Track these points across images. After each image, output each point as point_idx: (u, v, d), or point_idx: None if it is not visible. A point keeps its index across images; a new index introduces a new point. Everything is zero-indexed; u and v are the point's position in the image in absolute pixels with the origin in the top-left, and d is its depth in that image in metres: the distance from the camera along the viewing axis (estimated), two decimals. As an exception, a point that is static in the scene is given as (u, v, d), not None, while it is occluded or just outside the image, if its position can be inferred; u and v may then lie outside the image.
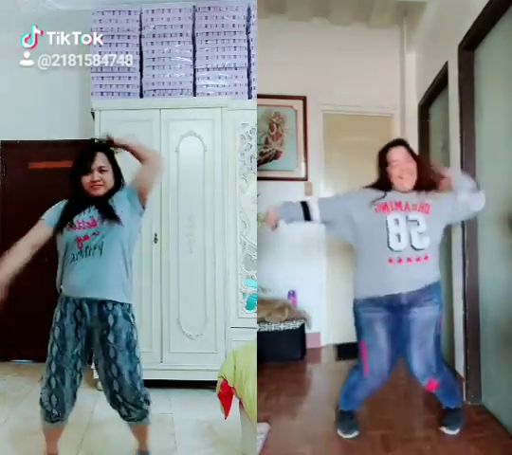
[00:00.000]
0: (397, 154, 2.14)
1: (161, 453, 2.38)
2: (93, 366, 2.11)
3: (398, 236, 2.04)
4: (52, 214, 2.06)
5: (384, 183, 2.16)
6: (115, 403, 2.05)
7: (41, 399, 2.03)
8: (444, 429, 2.29)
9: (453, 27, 2.78)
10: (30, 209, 3.94)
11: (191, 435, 2.58)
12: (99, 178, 2.01)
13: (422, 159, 2.23)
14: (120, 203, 2.03)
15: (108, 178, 2.05)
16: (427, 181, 2.15)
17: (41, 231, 2.04)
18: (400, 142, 2.21)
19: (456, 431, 2.28)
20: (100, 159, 2.04)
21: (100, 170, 2.03)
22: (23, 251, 2.03)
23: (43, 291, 3.66)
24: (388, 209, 2.08)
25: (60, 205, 2.09)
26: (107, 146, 2.09)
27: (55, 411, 2.00)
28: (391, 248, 2.04)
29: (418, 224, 2.07)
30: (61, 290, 2.04)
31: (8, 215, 3.89)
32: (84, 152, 2.07)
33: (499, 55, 2.40)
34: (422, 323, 2.11)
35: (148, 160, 2.08)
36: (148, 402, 2.08)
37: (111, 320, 1.96)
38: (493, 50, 2.47)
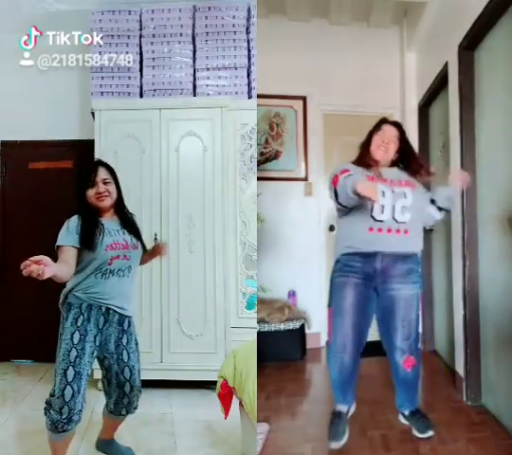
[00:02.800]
0: (386, 128, 2.24)
1: (161, 453, 2.38)
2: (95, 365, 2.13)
3: (382, 207, 2.08)
4: (68, 234, 2.00)
5: (365, 154, 2.23)
6: (118, 406, 2.16)
7: (47, 409, 1.98)
8: (420, 435, 2.26)
9: (453, 27, 2.78)
10: (30, 209, 3.99)
11: (191, 435, 2.58)
12: (104, 190, 2.07)
13: (410, 144, 2.30)
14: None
15: (113, 190, 2.10)
16: (411, 158, 2.25)
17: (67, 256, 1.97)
18: (395, 123, 2.30)
19: (431, 433, 2.25)
20: (103, 172, 2.10)
21: (104, 182, 2.08)
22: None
23: (43, 291, 3.67)
24: (375, 182, 2.10)
25: (72, 224, 2.02)
26: (105, 163, 2.17)
27: (62, 423, 1.95)
28: (373, 218, 2.09)
29: (405, 196, 2.12)
30: (67, 297, 2.05)
31: (8, 215, 3.89)
32: (86, 166, 2.17)
33: (499, 55, 2.40)
34: (405, 300, 2.16)
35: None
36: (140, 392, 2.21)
37: (126, 324, 2.12)
38: (493, 50, 2.47)
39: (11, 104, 3.83)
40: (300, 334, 3.56)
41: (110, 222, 2.11)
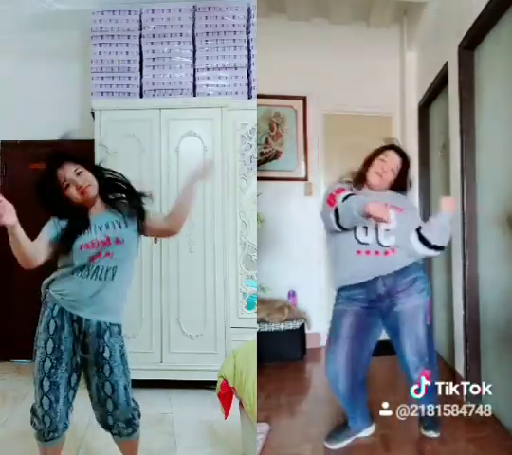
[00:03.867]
0: (391, 156, 2.16)
1: (161, 453, 2.38)
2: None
3: (365, 229, 2.06)
4: (53, 229, 1.89)
5: (362, 175, 2.18)
6: (106, 424, 1.94)
7: (31, 419, 1.91)
8: (426, 433, 2.26)
9: (453, 27, 2.78)
10: (30, 209, 3.97)
11: (191, 435, 2.58)
12: (82, 181, 1.86)
13: (409, 177, 2.24)
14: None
15: (89, 177, 1.88)
16: (403, 184, 2.20)
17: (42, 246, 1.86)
18: (395, 148, 2.21)
19: (433, 434, 2.25)
20: (69, 166, 1.88)
21: (78, 174, 1.87)
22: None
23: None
24: None
25: (57, 224, 1.90)
26: (60, 154, 1.94)
27: (47, 431, 1.88)
28: (358, 240, 2.07)
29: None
30: (46, 294, 1.92)
31: (7, 215, 3.89)
32: (45, 169, 1.91)
33: (499, 55, 2.40)
34: (408, 312, 2.11)
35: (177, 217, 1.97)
36: (139, 415, 1.97)
37: (107, 336, 1.88)
38: (493, 50, 2.47)
39: (11, 104, 3.83)
40: (300, 334, 3.56)
41: (98, 217, 1.90)
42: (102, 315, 1.88)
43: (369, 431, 2.29)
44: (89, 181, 1.88)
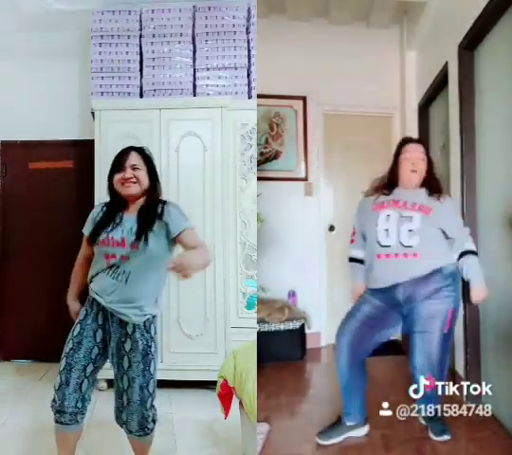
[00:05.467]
0: (413, 148, 2.19)
1: (161, 453, 2.38)
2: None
3: (387, 231, 2.08)
4: (88, 223, 2.00)
5: (393, 176, 2.20)
6: (120, 419, 1.97)
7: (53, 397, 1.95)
8: (435, 438, 2.25)
9: (453, 27, 2.78)
10: (30, 209, 3.99)
11: (191, 435, 2.58)
12: (131, 175, 1.91)
13: (432, 161, 2.26)
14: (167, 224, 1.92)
15: (141, 176, 1.93)
16: (435, 180, 2.20)
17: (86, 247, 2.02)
18: (418, 140, 2.30)
19: (449, 436, 2.24)
20: (134, 158, 1.95)
21: (133, 167, 1.93)
22: (78, 270, 2.05)
23: (43, 291, 3.68)
24: (384, 207, 2.14)
25: (93, 212, 2.02)
26: (140, 148, 2.02)
27: (56, 410, 1.92)
28: (379, 243, 2.09)
29: (411, 221, 2.09)
30: (90, 288, 1.97)
31: (8, 215, 3.88)
32: (121, 151, 2.00)
33: (499, 55, 2.40)
34: (425, 314, 2.10)
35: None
36: (154, 421, 1.98)
37: (130, 329, 1.89)
38: (493, 50, 2.47)
39: (11, 104, 3.83)
40: (300, 334, 3.56)
41: (131, 218, 1.92)
42: (122, 307, 1.89)
43: (362, 431, 2.28)
44: (138, 178, 1.92)
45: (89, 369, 1.92)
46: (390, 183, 2.21)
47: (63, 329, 2.07)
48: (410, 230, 2.07)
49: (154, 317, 1.94)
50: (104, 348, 1.94)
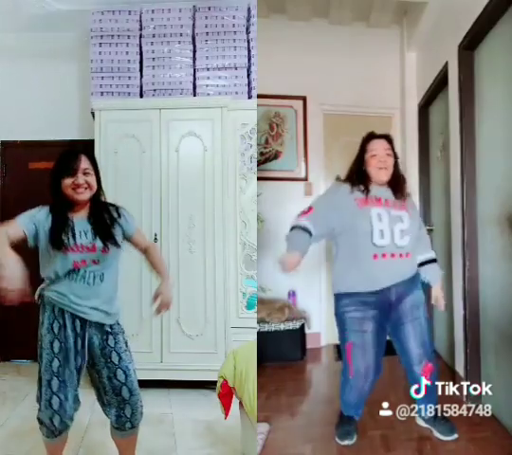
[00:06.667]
0: (378, 145, 2.17)
1: (161, 453, 2.38)
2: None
3: (381, 232, 2.05)
4: (27, 220, 1.92)
5: (361, 173, 2.16)
6: (120, 419, 1.93)
7: (39, 419, 1.91)
8: (444, 438, 2.24)
9: (453, 27, 2.78)
10: (30, 209, 3.97)
11: (191, 435, 2.58)
12: (83, 181, 1.87)
13: (398, 157, 2.24)
14: (121, 227, 1.97)
15: (92, 181, 1.90)
16: (401, 179, 2.20)
17: (13, 230, 1.87)
18: (384, 136, 2.23)
19: (456, 436, 2.24)
20: (85, 162, 1.90)
21: (85, 172, 1.88)
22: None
23: (43, 291, 3.68)
24: (367, 204, 2.09)
25: (37, 213, 1.93)
26: (90, 150, 2.01)
27: (59, 430, 1.91)
28: (374, 244, 2.06)
29: (402, 221, 2.09)
30: (41, 297, 1.93)
31: (8, 215, 3.87)
32: (68, 152, 1.97)
33: (499, 55, 2.40)
34: (410, 305, 2.15)
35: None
36: (141, 413, 1.98)
37: (107, 326, 1.92)
38: (493, 50, 2.47)
39: (11, 104, 3.83)
40: (300, 334, 3.55)
41: (82, 221, 1.91)
42: (98, 310, 1.90)
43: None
44: (89, 184, 1.89)
45: (77, 377, 1.93)
46: (360, 178, 2.16)
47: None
48: (401, 230, 2.08)
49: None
50: (83, 352, 1.91)
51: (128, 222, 2.00)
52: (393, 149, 2.20)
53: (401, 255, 2.08)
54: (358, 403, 2.26)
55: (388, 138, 2.22)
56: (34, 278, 1.85)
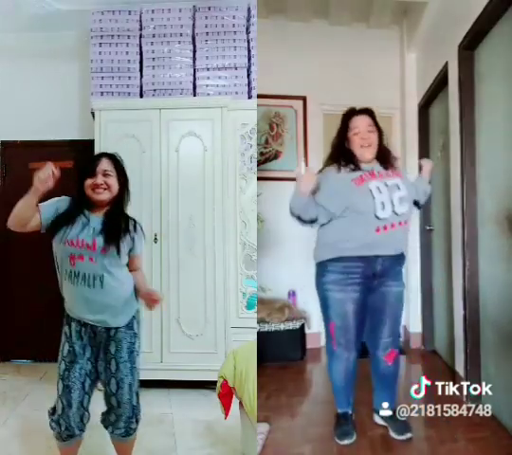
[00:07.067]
0: (360, 122, 2.15)
1: (161, 453, 2.38)
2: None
3: (383, 204, 2.04)
4: (49, 207, 1.94)
5: (345, 152, 2.16)
6: (107, 421, 1.98)
7: (50, 421, 1.95)
8: (397, 436, 2.24)
9: (453, 27, 2.78)
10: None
11: (191, 435, 2.58)
12: (102, 182, 1.90)
13: (382, 130, 2.21)
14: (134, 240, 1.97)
15: (112, 183, 1.93)
16: (386, 151, 2.19)
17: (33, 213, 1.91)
18: (365, 111, 2.20)
19: (409, 435, 2.22)
20: (106, 163, 1.95)
21: (105, 173, 1.92)
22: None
23: (42, 291, 3.67)
24: (364, 181, 2.07)
25: (59, 202, 1.96)
26: (112, 154, 2.01)
27: (65, 433, 1.94)
28: (377, 217, 2.04)
29: (399, 188, 2.09)
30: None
31: (8, 215, 3.88)
32: (94, 156, 2.04)
33: (499, 55, 2.40)
34: (394, 297, 2.18)
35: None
36: (137, 421, 1.99)
37: (112, 331, 1.91)
38: (493, 50, 2.47)
39: (11, 104, 3.83)
40: (300, 334, 3.56)
41: (96, 218, 1.93)
42: (102, 316, 1.89)
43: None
44: (108, 184, 1.92)
45: (87, 384, 1.92)
46: (347, 158, 2.14)
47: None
48: (400, 198, 2.07)
49: (136, 311, 1.98)
50: (95, 359, 1.93)
51: (141, 240, 2.01)
52: (376, 124, 2.17)
53: (400, 223, 2.08)
54: (347, 387, 2.28)
55: (370, 113, 2.18)
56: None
